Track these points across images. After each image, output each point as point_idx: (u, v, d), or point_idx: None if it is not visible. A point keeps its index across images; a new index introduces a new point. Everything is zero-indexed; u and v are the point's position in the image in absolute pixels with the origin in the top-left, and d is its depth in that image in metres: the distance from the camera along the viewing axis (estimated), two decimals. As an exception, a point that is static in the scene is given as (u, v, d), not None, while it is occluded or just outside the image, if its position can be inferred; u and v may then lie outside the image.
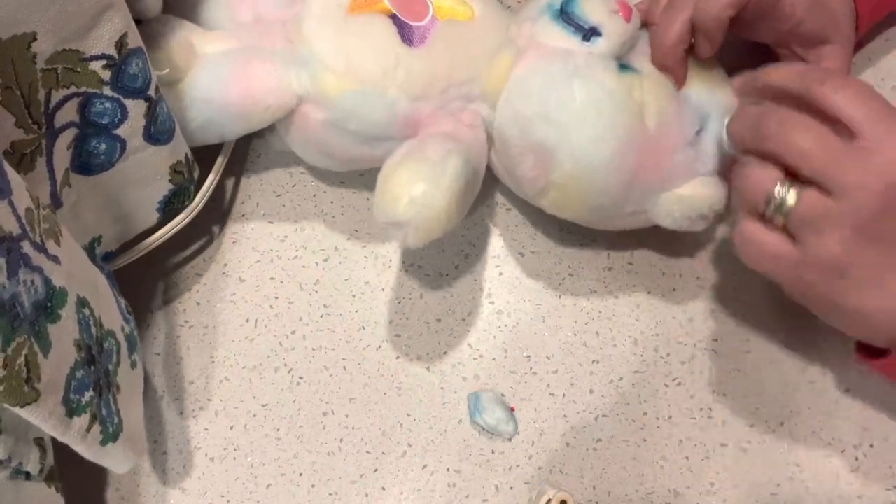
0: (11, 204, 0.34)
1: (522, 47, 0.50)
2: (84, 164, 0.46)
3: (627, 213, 0.51)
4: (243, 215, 0.59)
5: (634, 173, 0.48)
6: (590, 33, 0.49)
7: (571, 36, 0.49)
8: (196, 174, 0.53)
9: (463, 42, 0.51)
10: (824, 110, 0.40)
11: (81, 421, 0.37)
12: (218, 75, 0.51)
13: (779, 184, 0.41)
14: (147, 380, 0.54)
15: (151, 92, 0.45)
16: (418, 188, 0.45)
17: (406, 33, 0.50)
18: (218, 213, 0.59)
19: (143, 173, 0.49)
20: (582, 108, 0.47)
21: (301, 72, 0.51)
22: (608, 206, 0.50)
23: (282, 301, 0.57)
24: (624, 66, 0.49)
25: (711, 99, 0.49)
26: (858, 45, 0.58)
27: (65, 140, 0.44)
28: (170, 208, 0.53)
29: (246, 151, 0.61)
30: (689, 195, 0.49)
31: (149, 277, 0.57)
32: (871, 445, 0.51)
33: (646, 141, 0.48)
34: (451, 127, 0.51)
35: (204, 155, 0.55)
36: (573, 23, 0.49)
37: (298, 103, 0.52)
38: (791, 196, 0.41)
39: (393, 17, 0.51)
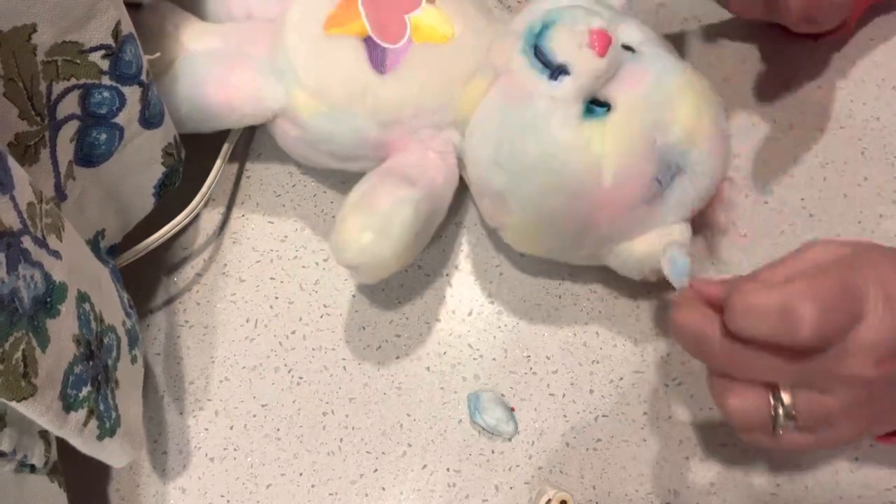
0: (13, 199, 0.34)
1: (498, 70, 0.49)
2: (86, 155, 0.46)
3: (583, 255, 0.51)
4: (243, 215, 0.59)
5: (585, 225, 0.47)
6: (557, 72, 0.46)
7: (538, 74, 0.46)
8: (184, 154, 0.53)
9: (436, 69, 0.50)
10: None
11: (78, 416, 0.37)
12: (199, 76, 0.51)
13: (772, 400, 0.39)
14: (147, 379, 0.54)
15: (144, 77, 0.46)
16: (366, 237, 0.46)
17: (377, 58, 0.50)
18: (218, 214, 0.59)
19: (140, 159, 0.49)
20: (532, 161, 0.46)
21: (278, 84, 0.51)
22: (561, 250, 0.51)
23: (282, 301, 0.57)
24: (591, 108, 0.46)
25: (691, 155, 0.46)
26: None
27: (67, 132, 0.44)
28: (164, 191, 0.53)
29: (246, 152, 0.61)
30: (644, 250, 0.48)
31: (149, 277, 0.57)
32: (871, 445, 0.50)
33: (599, 197, 0.46)
34: (419, 156, 0.51)
35: (204, 154, 0.55)
36: (542, 59, 0.47)
37: (275, 117, 0.52)
38: (788, 407, 0.38)
39: (367, 39, 0.50)
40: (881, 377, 0.37)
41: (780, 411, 0.38)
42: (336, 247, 0.47)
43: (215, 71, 0.51)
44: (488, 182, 0.49)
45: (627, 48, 0.48)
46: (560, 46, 0.46)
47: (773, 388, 0.39)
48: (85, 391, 0.38)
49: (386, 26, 0.50)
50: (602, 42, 0.46)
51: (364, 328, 0.56)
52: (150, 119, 0.48)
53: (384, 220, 0.46)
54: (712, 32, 0.62)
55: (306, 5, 0.51)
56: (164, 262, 0.58)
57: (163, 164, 0.51)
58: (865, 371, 0.37)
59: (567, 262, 0.54)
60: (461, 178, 0.53)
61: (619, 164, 0.46)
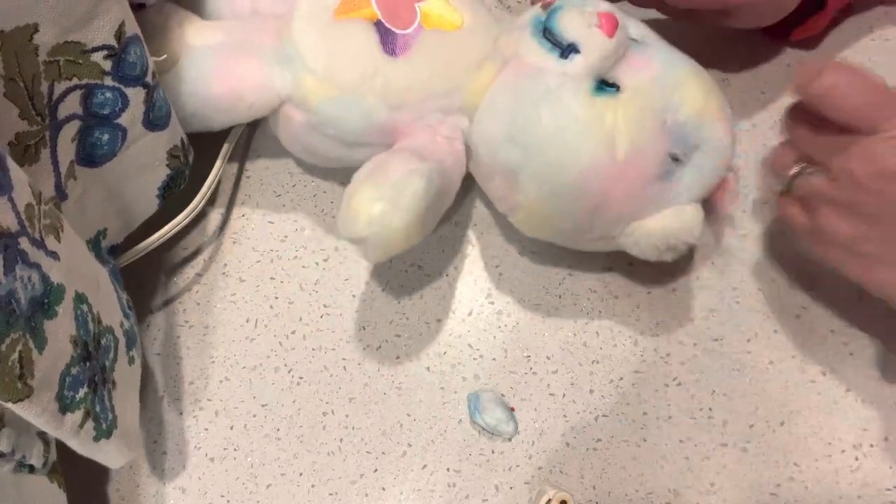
0: (11, 200, 0.34)
1: (507, 59, 0.50)
2: (88, 155, 0.46)
3: (595, 237, 0.50)
4: (243, 215, 0.59)
5: (599, 202, 0.47)
6: (568, 50, 0.47)
7: (548, 53, 0.47)
8: (191, 157, 0.53)
9: (446, 54, 0.51)
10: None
11: (75, 417, 0.37)
12: (204, 70, 0.51)
13: (796, 166, 0.47)
14: (147, 380, 0.54)
15: (149, 78, 0.46)
16: (376, 208, 0.45)
17: (388, 42, 0.50)
18: (218, 214, 0.59)
19: (144, 161, 0.49)
20: (546, 133, 0.46)
21: (285, 71, 0.51)
22: (573, 231, 0.50)
23: (282, 301, 0.57)
24: (602, 86, 0.47)
25: (702, 131, 0.47)
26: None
27: (69, 132, 0.44)
28: (168, 193, 0.53)
29: (246, 152, 0.61)
30: (658, 228, 0.47)
31: (149, 277, 0.57)
32: (871, 445, 0.50)
33: (613, 171, 0.46)
34: (427, 140, 0.50)
35: (205, 154, 0.55)
36: (552, 39, 0.48)
37: (281, 104, 0.52)
38: (802, 175, 0.46)
39: (377, 23, 0.50)
40: (875, 192, 0.42)
41: (794, 172, 0.47)
42: (346, 219, 0.46)
43: (220, 63, 0.51)
44: (501, 160, 0.49)
45: (632, 39, 0.49)
46: (569, 26, 0.47)
47: (808, 162, 0.47)
48: (81, 392, 0.38)
49: (396, 13, 0.51)
50: (610, 23, 0.47)
51: (364, 328, 0.56)
52: (154, 121, 0.48)
53: (395, 190, 0.46)
54: (712, 33, 0.62)
55: None
56: (164, 262, 0.58)
57: (168, 166, 0.51)
58: (859, 171, 0.42)
59: (577, 248, 0.53)
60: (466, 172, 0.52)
61: (633, 139, 0.46)
